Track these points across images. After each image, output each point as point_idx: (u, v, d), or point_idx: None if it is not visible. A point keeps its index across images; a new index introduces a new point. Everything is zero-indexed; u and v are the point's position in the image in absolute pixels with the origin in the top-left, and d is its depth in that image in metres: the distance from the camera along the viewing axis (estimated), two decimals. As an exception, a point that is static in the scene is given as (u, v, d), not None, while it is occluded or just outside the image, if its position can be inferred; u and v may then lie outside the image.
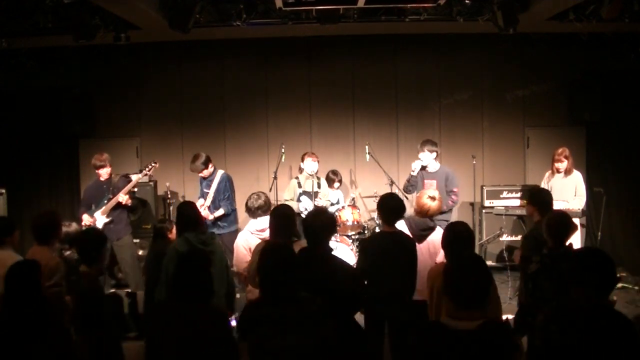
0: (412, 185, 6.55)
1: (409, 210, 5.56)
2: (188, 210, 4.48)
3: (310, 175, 7.30)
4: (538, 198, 4.64)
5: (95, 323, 3.51)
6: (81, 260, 3.79)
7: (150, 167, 6.71)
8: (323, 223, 3.71)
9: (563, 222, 3.81)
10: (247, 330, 2.91)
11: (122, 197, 6.41)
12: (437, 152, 6.53)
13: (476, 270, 2.51)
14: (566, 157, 6.51)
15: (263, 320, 2.84)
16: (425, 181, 6.48)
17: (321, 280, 3.44)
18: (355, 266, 6.65)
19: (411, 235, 4.40)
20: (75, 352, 3.23)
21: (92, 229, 4.88)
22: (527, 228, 7.26)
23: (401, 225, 4.50)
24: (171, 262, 3.90)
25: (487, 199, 7.77)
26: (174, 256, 3.88)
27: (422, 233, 4.44)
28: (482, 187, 7.85)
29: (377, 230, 7.57)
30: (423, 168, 6.54)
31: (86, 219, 6.32)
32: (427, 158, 6.46)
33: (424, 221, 4.52)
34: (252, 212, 4.83)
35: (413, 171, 6.49)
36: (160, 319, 3.01)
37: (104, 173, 6.51)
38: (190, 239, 4.23)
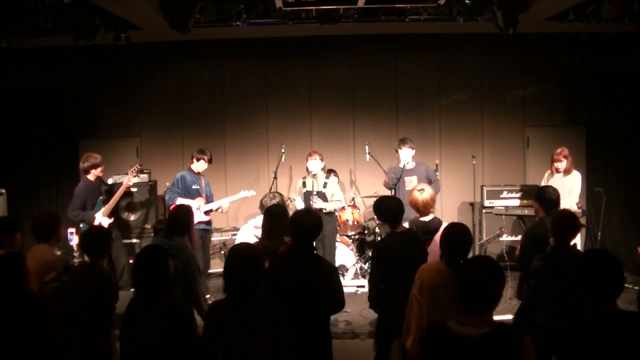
0: (395, 181, 6.55)
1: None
2: (176, 216, 4.50)
3: (312, 174, 7.28)
4: (543, 195, 4.64)
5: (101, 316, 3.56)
6: (89, 257, 3.81)
7: (134, 169, 6.71)
8: (311, 223, 3.64)
9: (568, 221, 3.80)
10: (208, 330, 2.91)
11: (132, 180, 6.49)
12: (414, 150, 6.65)
13: (489, 275, 2.50)
14: (565, 157, 6.50)
15: (223, 322, 2.84)
16: (405, 178, 6.52)
17: (306, 281, 3.42)
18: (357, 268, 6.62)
19: None
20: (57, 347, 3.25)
21: (98, 227, 4.91)
22: (527, 227, 7.27)
23: None
24: None
25: (487, 199, 7.76)
26: None
27: (424, 237, 4.43)
28: (482, 187, 7.84)
29: (377, 230, 7.58)
30: (398, 165, 6.63)
31: (96, 221, 6.25)
32: (409, 155, 6.55)
33: (426, 224, 4.51)
34: (263, 210, 4.84)
35: (408, 163, 6.52)
36: (128, 315, 3.06)
37: (99, 172, 6.48)
38: (157, 241, 4.29)
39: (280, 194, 5.02)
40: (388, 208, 4.26)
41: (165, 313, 2.94)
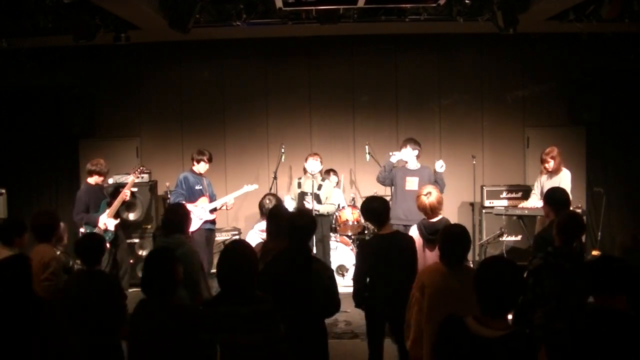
0: (386, 177, 6.50)
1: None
2: (172, 214, 4.46)
3: (311, 175, 7.28)
4: (554, 198, 4.60)
5: (96, 322, 3.54)
6: (84, 264, 3.82)
7: (139, 170, 6.81)
8: (306, 223, 3.68)
9: (573, 222, 3.79)
10: (204, 326, 2.94)
11: (127, 193, 6.52)
12: (419, 151, 6.52)
13: (508, 278, 2.40)
14: (553, 157, 6.51)
15: (219, 318, 2.88)
16: (407, 178, 6.45)
17: (300, 281, 3.45)
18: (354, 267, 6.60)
19: (421, 240, 4.41)
20: (73, 352, 3.22)
21: (92, 234, 4.95)
22: (527, 228, 7.27)
23: (413, 231, 4.55)
24: None
25: (487, 199, 7.76)
26: None
27: (430, 237, 4.44)
28: (482, 187, 7.84)
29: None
30: (403, 165, 6.55)
31: (100, 222, 6.30)
32: (409, 154, 6.46)
33: (433, 225, 4.52)
34: (262, 214, 4.87)
35: (392, 155, 6.49)
36: (136, 315, 3.07)
37: (100, 181, 6.54)
38: (158, 242, 4.31)
39: (277, 196, 5.03)
40: (370, 208, 4.30)
41: (172, 313, 2.96)
